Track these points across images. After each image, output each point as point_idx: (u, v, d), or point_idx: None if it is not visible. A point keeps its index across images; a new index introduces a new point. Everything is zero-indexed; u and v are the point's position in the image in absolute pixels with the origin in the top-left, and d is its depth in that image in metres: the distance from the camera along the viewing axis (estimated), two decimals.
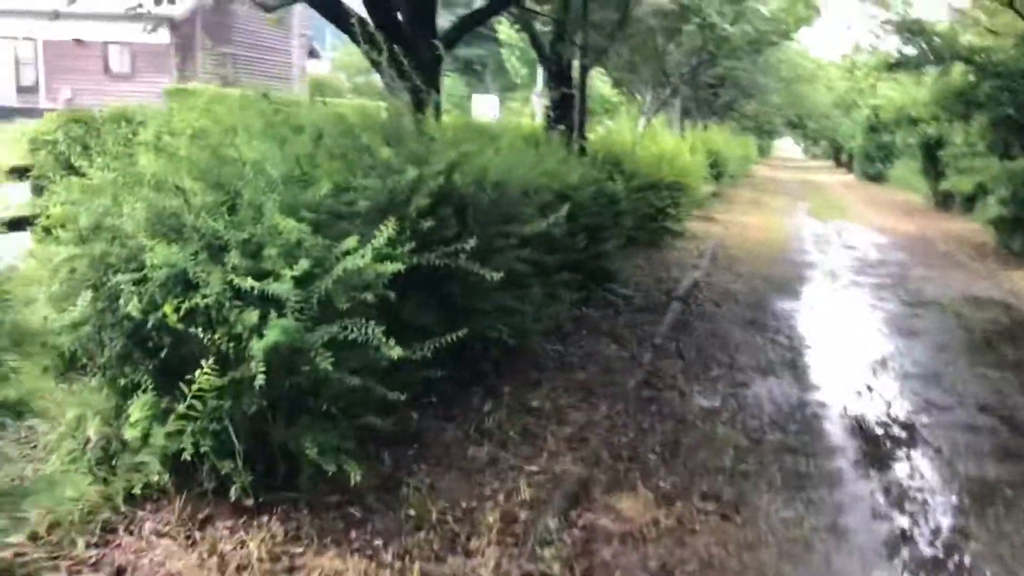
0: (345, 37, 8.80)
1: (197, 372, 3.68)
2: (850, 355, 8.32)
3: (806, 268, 13.85)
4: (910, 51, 15.82)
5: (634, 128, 17.34)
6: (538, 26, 13.67)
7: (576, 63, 12.55)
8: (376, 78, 7.85)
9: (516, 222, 6.02)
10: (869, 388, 7.20)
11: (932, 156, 22.58)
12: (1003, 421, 6.47)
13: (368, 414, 4.34)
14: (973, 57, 14.53)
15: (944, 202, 22.99)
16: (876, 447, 5.92)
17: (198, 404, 3.77)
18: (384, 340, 3.95)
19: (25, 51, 30.03)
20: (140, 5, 9.49)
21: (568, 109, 12.51)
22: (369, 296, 4.11)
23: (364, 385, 4.12)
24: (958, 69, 15.55)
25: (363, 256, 3.98)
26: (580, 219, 8.43)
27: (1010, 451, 5.88)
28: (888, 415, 6.56)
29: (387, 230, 4.04)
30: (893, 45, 16.55)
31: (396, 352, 3.92)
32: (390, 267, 4.17)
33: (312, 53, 34.54)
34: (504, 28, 25.49)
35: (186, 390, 3.75)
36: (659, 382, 7.01)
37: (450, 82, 40.18)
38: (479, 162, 5.70)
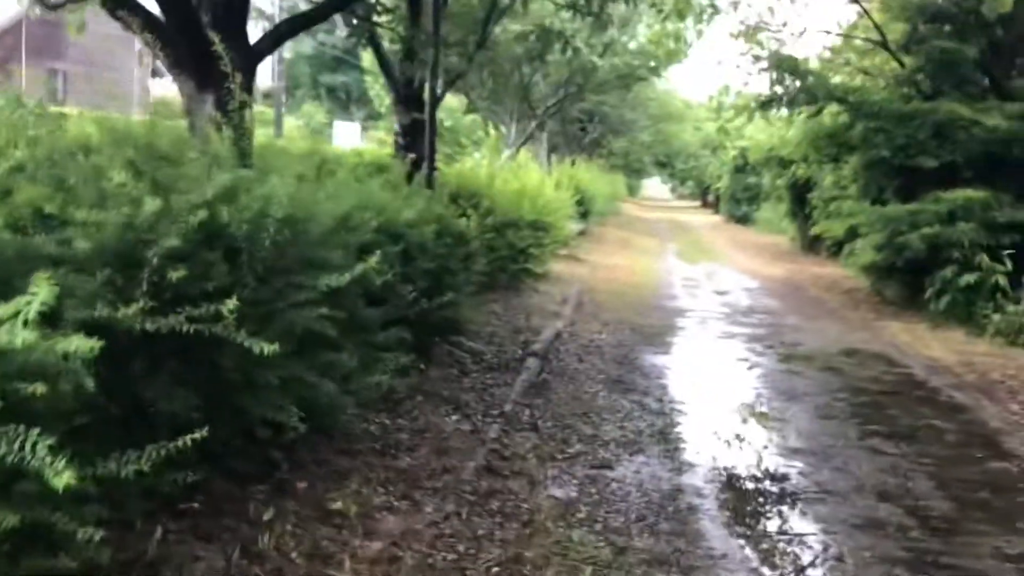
0: None
1: None
2: (728, 424, 7.19)
3: (676, 316, 12.88)
4: (782, 89, 15.11)
5: (495, 161, 16.19)
6: (386, 44, 12.37)
7: (427, 86, 11.26)
8: None
9: (318, 269, 4.66)
10: (752, 469, 6.09)
11: (800, 199, 22.23)
12: (909, 513, 5.41)
13: (59, 549, 2.91)
14: (847, 97, 13.91)
15: (811, 245, 22.67)
16: (767, 552, 4.78)
17: None
18: (52, 460, 2.53)
19: None
20: None
21: (419, 136, 11.18)
22: (40, 388, 2.67)
23: (37, 521, 2.70)
24: (830, 110, 14.95)
25: (19, 330, 2.55)
26: (419, 262, 7.16)
27: (924, 557, 4.80)
28: (776, 505, 5.46)
29: (42, 290, 2.59)
30: (764, 85, 15.83)
31: (64, 480, 2.50)
32: (81, 345, 2.75)
33: (156, 72, 32.16)
34: (367, 55, 24.18)
35: None
36: (505, 466, 5.71)
37: (310, 108, 38.53)
38: (262, 191, 4.31)
